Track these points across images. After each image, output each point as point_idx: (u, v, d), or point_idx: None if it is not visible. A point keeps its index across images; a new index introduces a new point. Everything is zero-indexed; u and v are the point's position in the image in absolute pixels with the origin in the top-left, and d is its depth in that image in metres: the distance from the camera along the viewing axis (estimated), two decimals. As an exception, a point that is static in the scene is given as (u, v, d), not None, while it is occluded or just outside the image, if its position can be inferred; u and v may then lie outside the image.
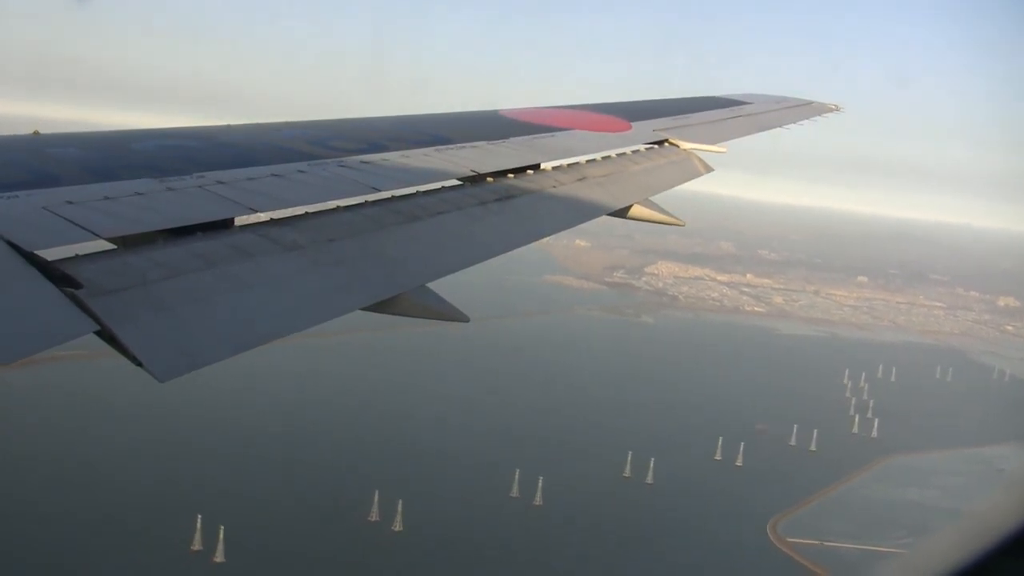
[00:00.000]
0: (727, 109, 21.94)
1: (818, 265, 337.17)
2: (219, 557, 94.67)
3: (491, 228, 10.81)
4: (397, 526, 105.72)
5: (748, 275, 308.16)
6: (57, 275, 6.04)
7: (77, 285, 6.00)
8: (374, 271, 8.55)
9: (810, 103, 25.29)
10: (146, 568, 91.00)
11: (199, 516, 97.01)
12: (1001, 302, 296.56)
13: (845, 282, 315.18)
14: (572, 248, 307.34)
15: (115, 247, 7.01)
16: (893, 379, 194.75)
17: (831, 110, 25.24)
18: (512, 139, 14.07)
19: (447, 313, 8.72)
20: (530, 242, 11.11)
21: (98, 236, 6.85)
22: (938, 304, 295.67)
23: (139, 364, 5.79)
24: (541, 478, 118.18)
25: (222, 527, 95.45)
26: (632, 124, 17.79)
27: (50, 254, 6.29)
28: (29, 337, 5.47)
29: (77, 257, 6.50)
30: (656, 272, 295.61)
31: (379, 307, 8.11)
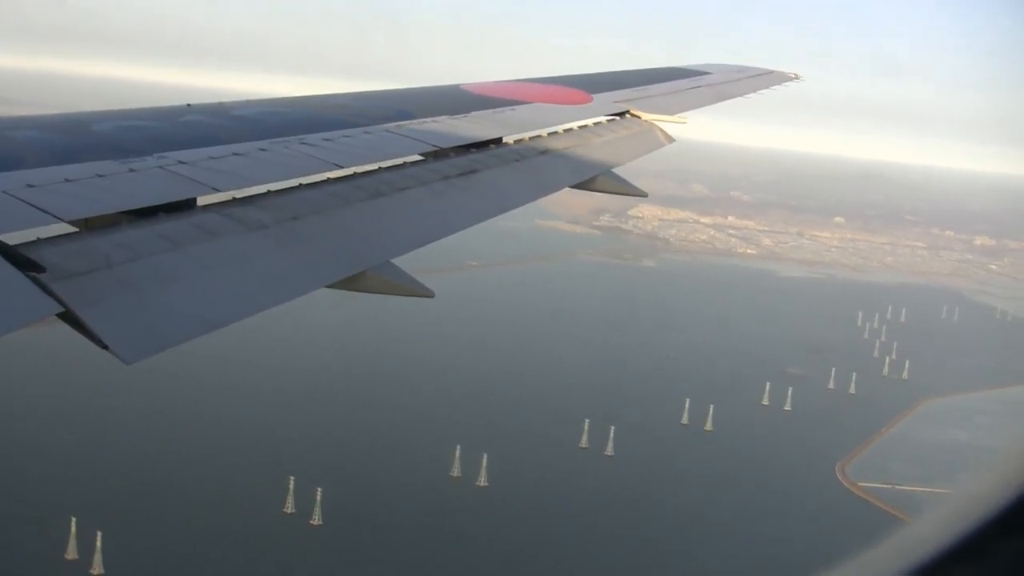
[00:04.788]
0: (688, 80, 21.90)
1: (793, 207, 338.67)
2: (316, 519, 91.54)
3: (455, 203, 10.80)
4: (481, 481, 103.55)
5: (730, 217, 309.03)
6: (20, 259, 5.91)
7: (40, 269, 5.88)
8: (338, 248, 8.54)
9: (770, 72, 25.46)
10: (241, 532, 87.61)
11: (291, 478, 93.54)
12: (978, 241, 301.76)
13: (824, 223, 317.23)
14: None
15: (77, 230, 6.90)
16: (903, 320, 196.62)
17: (791, 79, 25.31)
18: (474, 113, 14.02)
19: (413, 289, 8.69)
20: (494, 216, 11.05)
21: (60, 219, 6.71)
22: (919, 244, 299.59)
23: (104, 347, 5.67)
24: (613, 428, 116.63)
25: (319, 489, 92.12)
26: (593, 96, 17.65)
27: (11, 238, 6.14)
28: None
29: (39, 241, 6.38)
30: (640, 215, 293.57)
31: (344, 284, 8.13)
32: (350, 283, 8.18)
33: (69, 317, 5.76)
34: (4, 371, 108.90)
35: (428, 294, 8.87)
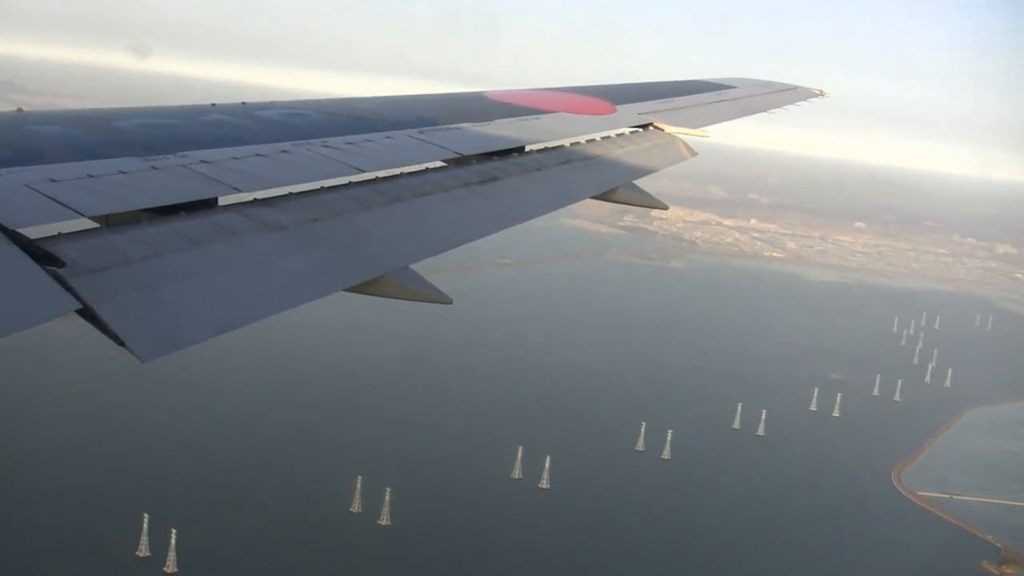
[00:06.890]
0: (712, 93, 21.91)
1: (811, 210, 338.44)
2: (384, 519, 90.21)
3: (475, 210, 10.79)
4: (543, 484, 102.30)
5: (752, 220, 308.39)
6: (40, 254, 5.90)
7: (60, 264, 5.89)
8: (358, 252, 8.54)
9: (795, 88, 25.53)
10: (311, 532, 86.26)
11: (359, 477, 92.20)
12: (1000, 249, 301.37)
13: (845, 227, 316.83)
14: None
15: (98, 226, 6.91)
16: (937, 327, 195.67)
17: (816, 95, 25.30)
18: (497, 121, 13.99)
19: (430, 295, 8.61)
20: (514, 225, 10.99)
21: (81, 214, 6.74)
22: (942, 251, 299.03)
23: (121, 344, 5.67)
24: (670, 432, 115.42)
25: (388, 489, 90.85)
26: (617, 107, 17.68)
27: (33, 232, 6.11)
28: (10, 315, 5.41)
29: (60, 235, 6.35)
30: (664, 216, 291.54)
31: (362, 288, 8.13)
32: (368, 287, 8.18)
33: (87, 313, 5.73)
34: (35, 367, 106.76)
35: (446, 300, 8.78)
